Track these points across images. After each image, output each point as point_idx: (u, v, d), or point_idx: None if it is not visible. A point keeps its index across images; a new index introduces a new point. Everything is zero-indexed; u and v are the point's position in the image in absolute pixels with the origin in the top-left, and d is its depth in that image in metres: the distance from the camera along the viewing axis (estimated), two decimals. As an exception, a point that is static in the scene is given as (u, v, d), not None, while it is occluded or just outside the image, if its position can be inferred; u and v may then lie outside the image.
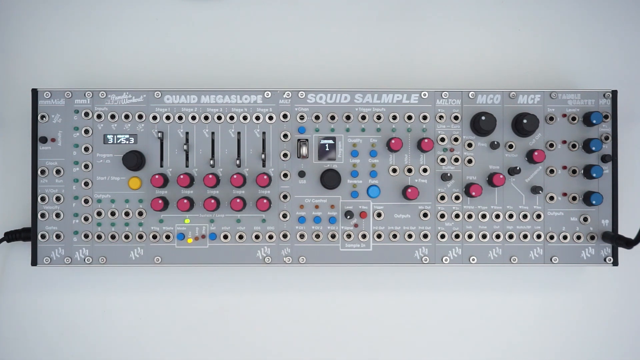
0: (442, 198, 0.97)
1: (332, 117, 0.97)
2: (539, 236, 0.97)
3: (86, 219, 0.97)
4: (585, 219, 0.97)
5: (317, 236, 0.97)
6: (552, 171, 0.97)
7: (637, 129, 1.03)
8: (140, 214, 0.97)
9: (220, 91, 0.97)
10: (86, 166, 0.97)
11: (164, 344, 1.02)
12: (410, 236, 0.97)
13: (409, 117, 0.97)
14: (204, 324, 1.02)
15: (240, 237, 0.97)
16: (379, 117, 0.97)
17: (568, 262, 0.98)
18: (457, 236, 0.97)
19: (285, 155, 0.97)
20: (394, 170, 0.97)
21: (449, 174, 0.96)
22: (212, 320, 1.02)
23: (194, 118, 0.97)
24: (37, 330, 1.02)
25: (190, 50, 1.03)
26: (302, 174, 0.97)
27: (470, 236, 0.97)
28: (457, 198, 0.97)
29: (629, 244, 0.93)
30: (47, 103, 0.97)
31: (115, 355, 1.02)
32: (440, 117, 0.97)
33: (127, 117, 0.97)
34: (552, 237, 0.97)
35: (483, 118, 0.95)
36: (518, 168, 0.96)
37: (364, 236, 0.97)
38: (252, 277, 1.02)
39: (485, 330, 1.03)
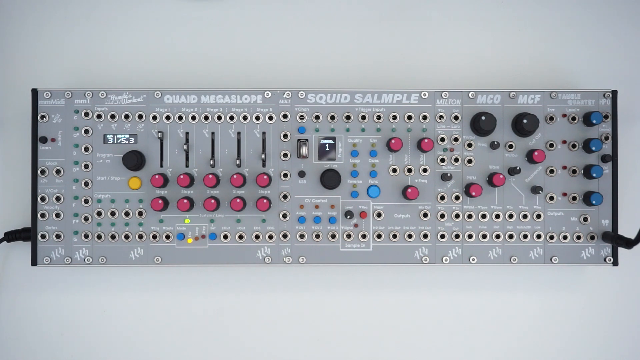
0: (442, 198, 0.97)
1: (332, 117, 0.97)
2: (539, 236, 0.97)
3: (86, 219, 0.97)
4: (585, 219, 0.97)
5: (317, 236, 0.97)
6: (552, 171, 0.97)
7: (637, 129, 1.03)
8: (140, 214, 0.97)
9: (220, 91, 0.97)
10: (86, 166, 0.97)
11: (164, 344, 1.02)
12: (410, 236, 0.97)
13: (409, 117, 0.97)
14: (203, 324, 1.02)
15: (240, 237, 0.97)
16: (379, 117, 0.97)
17: (568, 262, 0.98)
18: (457, 236, 0.97)
19: (285, 155, 0.97)
20: (394, 170, 0.97)
21: (449, 174, 0.96)
22: (212, 320, 1.02)
23: (194, 118, 0.97)
24: (37, 330, 1.02)
25: (190, 50, 1.03)
26: (302, 174, 0.97)
27: (470, 236, 0.97)
28: (457, 198, 0.97)
29: (629, 244, 0.93)
30: (47, 103, 0.97)
31: (115, 355, 1.02)
32: (440, 117, 0.97)
33: (127, 117, 0.97)
34: (552, 237, 0.97)
35: (483, 118, 0.95)
36: (518, 168, 0.96)
37: (364, 236, 0.97)
38: (252, 277, 1.02)
39: (485, 330, 1.03)
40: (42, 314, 1.02)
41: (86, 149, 0.97)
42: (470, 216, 0.97)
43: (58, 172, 0.97)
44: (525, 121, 0.94)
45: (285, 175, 0.97)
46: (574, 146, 0.97)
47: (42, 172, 0.97)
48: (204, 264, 0.97)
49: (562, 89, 1.00)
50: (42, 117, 0.96)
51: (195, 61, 1.03)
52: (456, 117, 0.97)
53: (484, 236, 0.97)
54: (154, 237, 0.97)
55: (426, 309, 1.03)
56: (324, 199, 0.97)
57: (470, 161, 0.97)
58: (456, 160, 0.97)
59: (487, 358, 1.03)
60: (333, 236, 0.97)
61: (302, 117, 0.97)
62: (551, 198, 0.97)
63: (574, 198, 0.97)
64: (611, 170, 0.97)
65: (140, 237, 0.97)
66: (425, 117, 0.97)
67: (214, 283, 1.02)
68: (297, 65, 1.03)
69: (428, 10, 1.04)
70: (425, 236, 0.97)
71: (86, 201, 0.97)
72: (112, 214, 0.97)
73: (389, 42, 1.03)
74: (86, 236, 0.97)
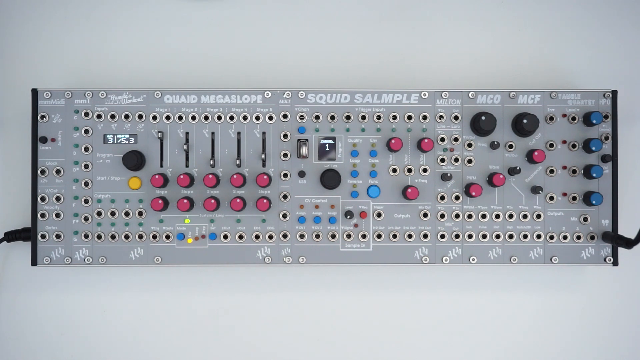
0: (442, 198, 0.97)
1: (332, 117, 0.97)
2: (539, 236, 0.97)
3: (86, 219, 0.97)
4: (585, 219, 0.97)
5: (317, 236, 0.97)
6: (552, 171, 0.97)
7: (637, 129, 1.03)
8: (140, 214, 0.97)
9: (220, 91, 0.97)
10: (86, 166, 0.97)
11: (164, 344, 1.02)
12: (410, 236, 0.97)
13: (409, 117, 0.97)
14: (203, 324, 1.02)
15: (240, 237, 0.97)
16: (379, 117, 0.97)
17: (568, 262, 0.98)
18: (457, 236, 0.97)
19: (285, 155, 0.97)
20: (394, 170, 0.97)
21: (449, 174, 0.96)
22: (212, 320, 1.02)
23: (194, 118, 0.97)
24: (37, 330, 1.02)
25: (190, 50, 1.03)
26: (302, 174, 0.97)
27: (470, 236, 0.97)
28: (457, 198, 0.97)
29: (629, 244, 0.93)
30: (47, 103, 0.97)
31: (115, 355, 1.02)
32: (440, 117, 0.97)
33: (127, 117, 0.97)
34: (552, 237, 0.97)
35: (483, 118, 0.95)
36: (518, 168, 0.96)
37: (364, 236, 0.97)
38: (252, 277, 1.02)
39: (485, 330, 1.03)
40: (42, 314, 1.02)
41: (86, 149, 0.97)
42: (470, 216, 0.97)
43: (58, 172, 0.97)
44: (525, 121, 0.94)
45: (285, 175, 0.97)
46: (574, 146, 0.97)
47: (42, 172, 0.97)
48: (204, 264, 0.97)
49: (562, 89, 1.00)
50: (42, 117, 0.96)
51: (195, 61, 1.03)
52: (456, 117, 0.97)
53: (484, 236, 0.97)
54: (154, 237, 0.97)
55: (426, 309, 1.03)
56: (324, 199, 0.97)
57: (470, 161, 0.97)
58: (456, 160, 0.97)
59: (487, 358, 1.03)
60: (333, 236, 0.97)
61: (302, 117, 0.97)
62: (551, 198, 0.97)
63: (574, 198, 0.97)
64: (611, 170, 0.97)
65: (140, 237, 0.97)
66: (425, 117, 0.97)
67: (214, 283, 1.02)
68: (297, 65, 1.03)
69: (428, 11, 1.04)
70: (425, 236, 0.97)
71: (86, 201, 0.97)
72: (112, 214, 0.97)
73: (389, 42, 1.03)
74: (86, 236, 0.97)
